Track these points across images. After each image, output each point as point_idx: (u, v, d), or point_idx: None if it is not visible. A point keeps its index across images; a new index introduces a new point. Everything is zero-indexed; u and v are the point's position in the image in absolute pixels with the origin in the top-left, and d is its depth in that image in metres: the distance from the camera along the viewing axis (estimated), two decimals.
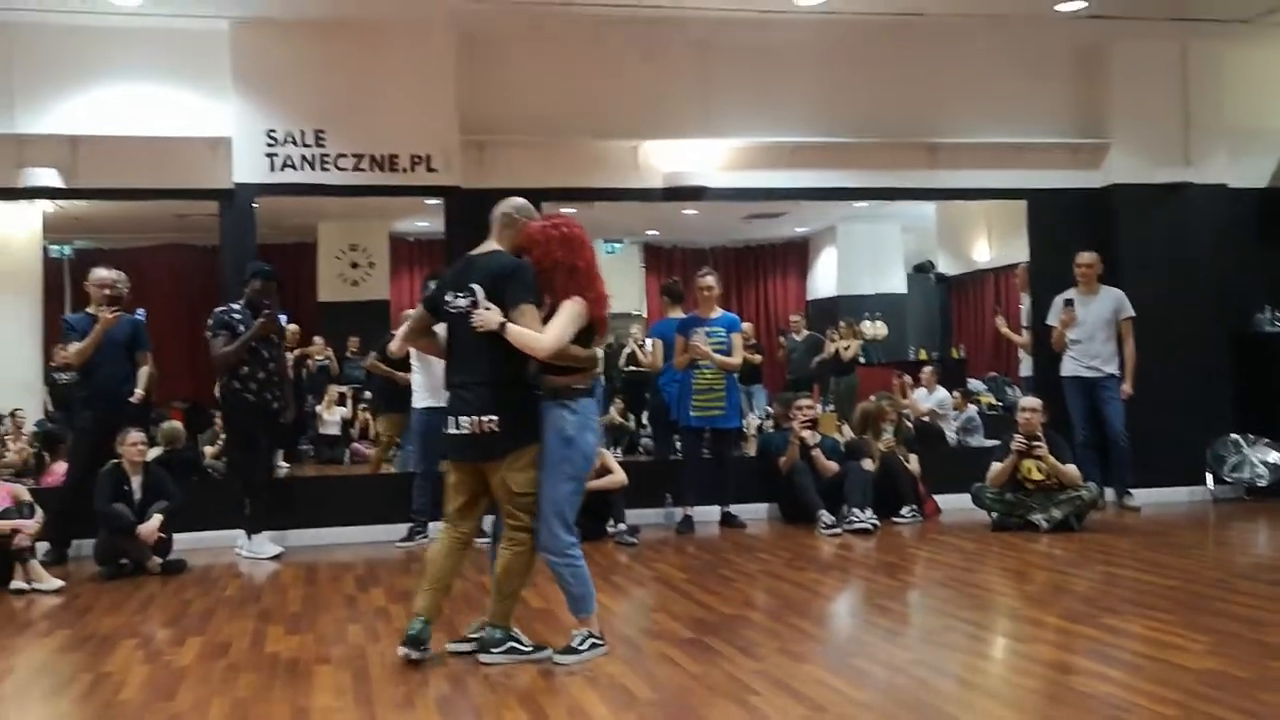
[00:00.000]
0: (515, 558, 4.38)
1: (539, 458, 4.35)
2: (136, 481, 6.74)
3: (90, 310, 7.15)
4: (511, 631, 4.41)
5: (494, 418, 4.28)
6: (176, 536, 6.80)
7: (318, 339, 12.11)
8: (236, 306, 7.11)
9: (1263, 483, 8.45)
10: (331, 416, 11.75)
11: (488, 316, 4.26)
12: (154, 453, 7.54)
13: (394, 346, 7.45)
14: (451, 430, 4.37)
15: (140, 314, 7.36)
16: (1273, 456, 8.49)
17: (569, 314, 4.30)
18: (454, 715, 3.75)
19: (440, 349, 4.60)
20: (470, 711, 3.78)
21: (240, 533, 7.21)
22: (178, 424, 8.64)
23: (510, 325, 4.24)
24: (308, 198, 8.10)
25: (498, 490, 4.38)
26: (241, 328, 7.00)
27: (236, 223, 7.68)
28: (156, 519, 6.60)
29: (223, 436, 9.22)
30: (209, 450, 9.53)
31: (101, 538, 6.63)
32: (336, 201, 8.37)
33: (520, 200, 4.59)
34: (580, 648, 4.38)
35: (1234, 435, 8.63)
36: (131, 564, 6.59)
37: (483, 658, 4.36)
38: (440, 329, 4.58)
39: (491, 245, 4.50)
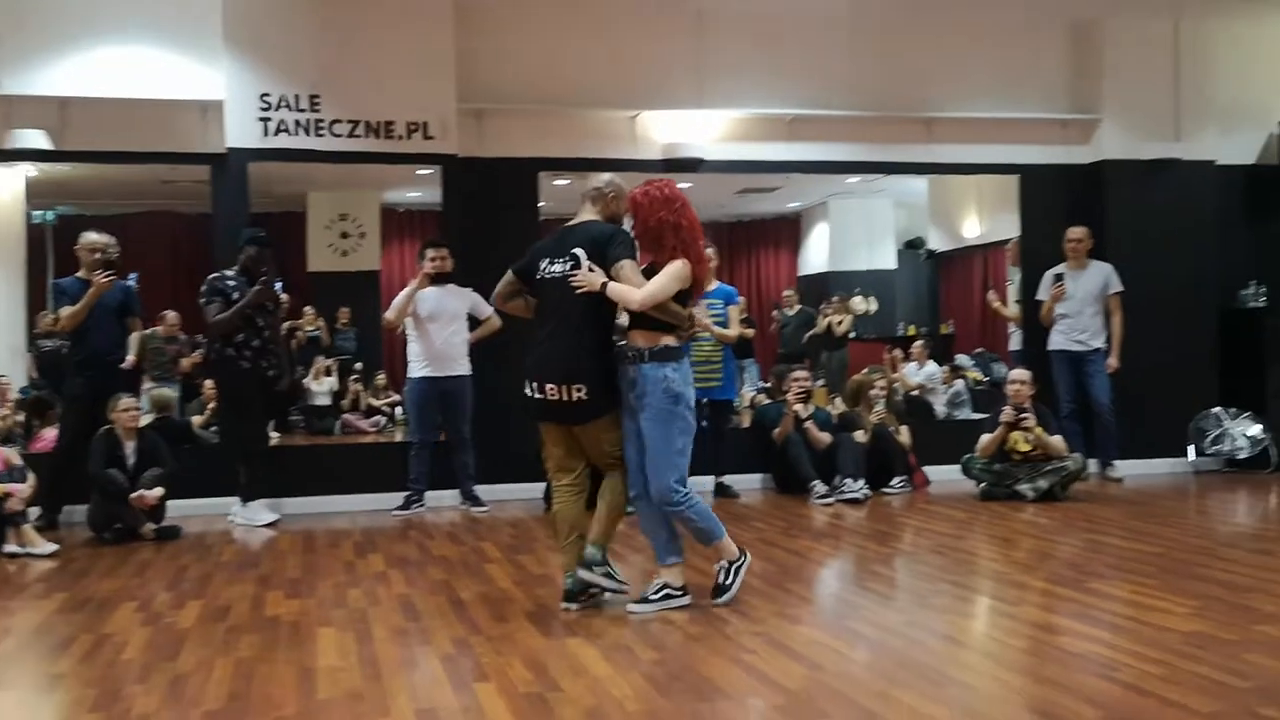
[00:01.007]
0: (623, 488, 4.65)
1: (619, 415, 4.60)
2: (130, 447, 6.75)
3: (81, 275, 7.11)
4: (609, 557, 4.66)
5: (582, 386, 4.46)
6: (169, 503, 6.80)
7: (308, 309, 12.07)
8: (230, 273, 7.09)
9: (1243, 455, 8.60)
10: (320, 387, 11.72)
11: (591, 277, 4.43)
12: (144, 420, 7.53)
13: (390, 316, 7.53)
14: (535, 395, 4.52)
15: (133, 279, 7.34)
16: (1254, 430, 8.62)
17: (672, 272, 4.48)
18: (459, 675, 3.79)
19: (529, 310, 4.76)
20: (474, 671, 3.82)
21: (234, 500, 7.23)
22: (168, 391, 8.62)
23: (611, 283, 4.42)
24: (298, 166, 8.05)
25: (590, 448, 4.63)
26: (235, 295, 6.98)
27: (229, 188, 7.63)
28: (158, 490, 6.61)
29: (211, 405, 9.24)
30: (196, 419, 9.52)
31: (95, 503, 6.65)
32: (327, 170, 8.32)
33: (608, 175, 4.79)
34: (653, 597, 4.61)
35: (1216, 409, 8.76)
36: (125, 530, 6.60)
37: (581, 573, 4.57)
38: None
39: (586, 215, 4.66)
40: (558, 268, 4.55)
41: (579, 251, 4.51)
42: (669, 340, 4.51)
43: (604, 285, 4.43)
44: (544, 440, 4.75)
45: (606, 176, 4.77)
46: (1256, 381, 8.87)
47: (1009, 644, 4.11)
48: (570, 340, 4.51)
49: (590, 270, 4.45)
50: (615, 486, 4.65)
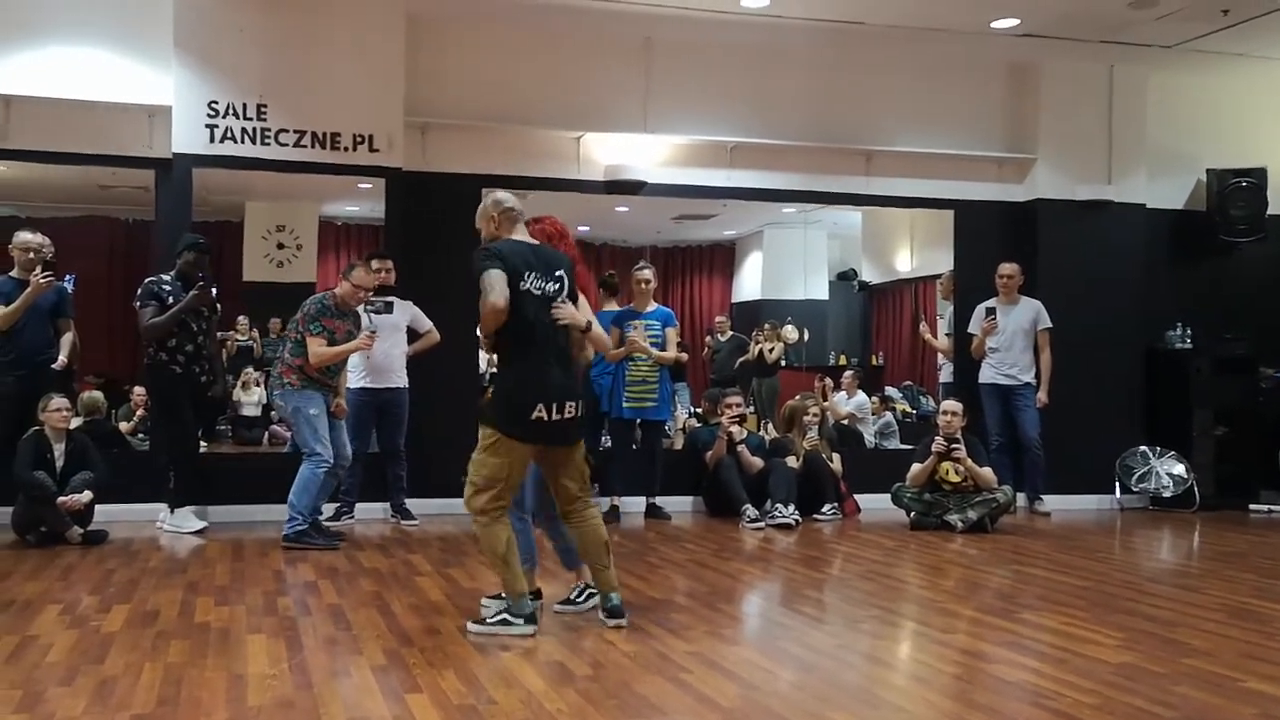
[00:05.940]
0: (602, 525, 4.69)
1: None
2: (59, 449, 6.61)
3: (15, 274, 6.97)
4: None
5: (579, 401, 4.53)
6: (95, 508, 6.66)
7: (242, 319, 11.94)
8: (166, 277, 7.00)
9: (1167, 494, 8.79)
10: (249, 398, 11.58)
11: (575, 314, 4.53)
12: (75, 423, 7.39)
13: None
14: (552, 416, 4.39)
15: (69, 281, 7.21)
16: (1178, 469, 8.82)
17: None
18: (391, 685, 3.76)
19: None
20: (407, 682, 3.80)
21: (162, 507, 7.11)
22: (98, 394, 8.47)
23: (594, 327, 4.62)
24: (238, 175, 7.95)
25: (579, 466, 4.61)
26: (171, 299, 6.89)
27: (173, 194, 7.54)
28: (88, 494, 6.49)
29: (139, 413, 9.10)
30: (124, 426, 9.36)
31: (20, 505, 6.50)
32: (267, 180, 8.27)
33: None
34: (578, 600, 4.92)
35: (1143, 447, 8.96)
36: (49, 533, 6.45)
37: (619, 622, 4.61)
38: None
39: (525, 236, 4.62)
40: (549, 286, 4.48)
41: (565, 277, 4.55)
42: None
43: (588, 326, 4.58)
44: (506, 468, 4.43)
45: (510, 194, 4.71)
46: (1181, 421, 9.09)
47: (942, 670, 4.14)
48: (567, 359, 4.56)
49: (570, 304, 4.56)
50: (599, 530, 4.64)
